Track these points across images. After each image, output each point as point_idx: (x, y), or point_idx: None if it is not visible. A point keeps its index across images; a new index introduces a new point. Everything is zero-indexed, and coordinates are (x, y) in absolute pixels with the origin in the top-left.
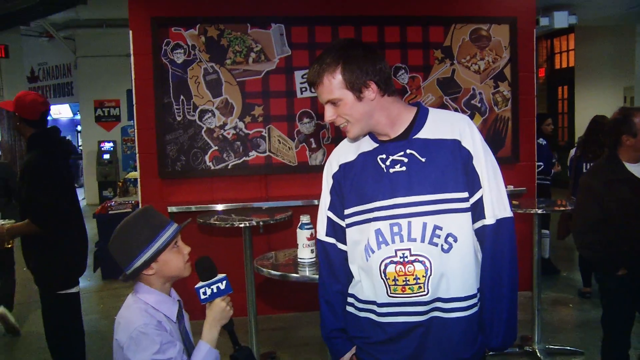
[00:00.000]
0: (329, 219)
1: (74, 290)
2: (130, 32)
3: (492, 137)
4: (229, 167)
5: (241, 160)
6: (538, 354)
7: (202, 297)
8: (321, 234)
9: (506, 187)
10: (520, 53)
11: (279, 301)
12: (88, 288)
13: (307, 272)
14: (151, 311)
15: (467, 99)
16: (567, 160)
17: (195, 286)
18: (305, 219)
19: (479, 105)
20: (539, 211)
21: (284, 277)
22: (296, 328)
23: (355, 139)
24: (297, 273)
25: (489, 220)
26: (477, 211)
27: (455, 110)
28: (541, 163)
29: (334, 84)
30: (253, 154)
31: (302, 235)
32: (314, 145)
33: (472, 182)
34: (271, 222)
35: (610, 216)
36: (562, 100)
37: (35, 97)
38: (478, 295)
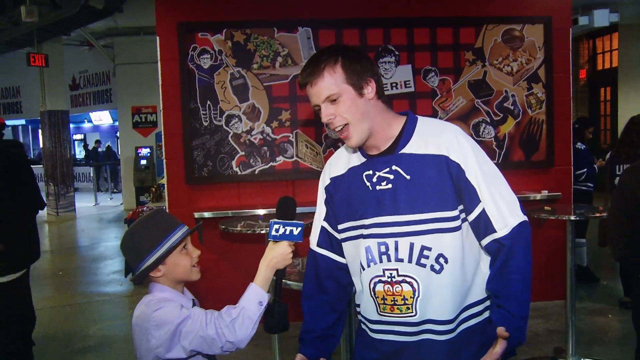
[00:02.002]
0: (323, 229)
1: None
2: (158, 37)
3: (526, 140)
4: (256, 172)
5: (268, 166)
6: None
7: (273, 233)
8: (313, 244)
9: (540, 193)
10: (556, 53)
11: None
12: (119, 293)
13: None
14: (165, 299)
15: (499, 101)
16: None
17: (271, 220)
18: None
19: (512, 107)
20: (572, 218)
21: (285, 285)
22: None
23: (356, 147)
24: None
25: (502, 231)
26: (480, 226)
27: (487, 113)
28: (585, 169)
29: (335, 78)
30: (280, 159)
31: None
32: None
33: (468, 198)
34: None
35: (639, 214)
36: (604, 102)
37: None
38: (469, 310)
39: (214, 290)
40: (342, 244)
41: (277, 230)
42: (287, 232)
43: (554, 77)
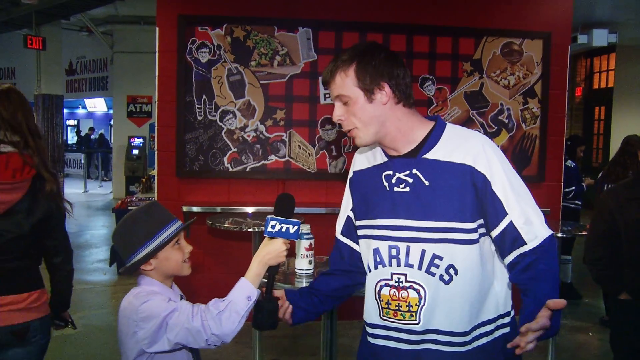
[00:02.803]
0: (349, 218)
1: None
2: (157, 28)
3: (518, 154)
4: (247, 169)
5: (260, 164)
6: None
7: (268, 229)
8: (338, 232)
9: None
10: (553, 70)
11: None
12: (102, 282)
13: (304, 284)
14: (153, 292)
15: (494, 114)
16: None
17: (268, 216)
18: (305, 228)
19: (506, 121)
20: (559, 234)
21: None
22: (304, 337)
23: (362, 147)
24: (288, 284)
25: (532, 243)
26: (506, 240)
27: (482, 124)
28: (573, 187)
29: (346, 81)
30: (272, 158)
31: (301, 246)
32: (334, 153)
33: (494, 211)
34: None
35: (617, 236)
36: (598, 121)
37: None
38: (481, 329)
39: (199, 285)
40: (359, 240)
41: (272, 227)
42: (283, 230)
43: (550, 93)
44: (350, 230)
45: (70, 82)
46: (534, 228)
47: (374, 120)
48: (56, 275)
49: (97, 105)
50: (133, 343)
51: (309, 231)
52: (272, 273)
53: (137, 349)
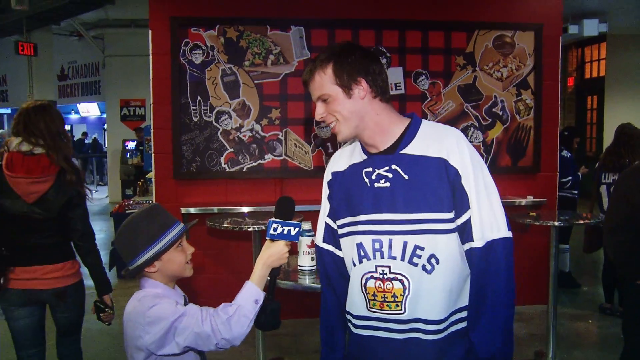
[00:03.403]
0: (327, 225)
1: None
2: (150, 31)
3: (513, 146)
4: (244, 169)
5: (257, 163)
6: None
7: (271, 232)
8: (319, 240)
9: (525, 198)
10: (545, 61)
11: (289, 307)
12: None
13: (307, 281)
14: (158, 295)
15: (488, 106)
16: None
17: (270, 219)
18: (306, 225)
19: (501, 113)
20: (557, 224)
21: (288, 286)
22: (306, 334)
23: (343, 141)
24: (293, 281)
25: (477, 242)
26: (464, 233)
27: (476, 117)
28: (570, 177)
29: (324, 79)
30: (269, 157)
31: (303, 243)
32: (330, 150)
33: (460, 203)
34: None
35: (636, 219)
36: (590, 110)
37: None
38: (459, 314)
39: (200, 285)
40: (340, 239)
41: (275, 230)
42: (285, 232)
43: (543, 84)
44: (330, 235)
45: (63, 88)
46: (486, 229)
47: (353, 114)
48: (84, 256)
49: (90, 110)
50: (140, 346)
51: (311, 228)
52: (274, 274)
53: (145, 352)
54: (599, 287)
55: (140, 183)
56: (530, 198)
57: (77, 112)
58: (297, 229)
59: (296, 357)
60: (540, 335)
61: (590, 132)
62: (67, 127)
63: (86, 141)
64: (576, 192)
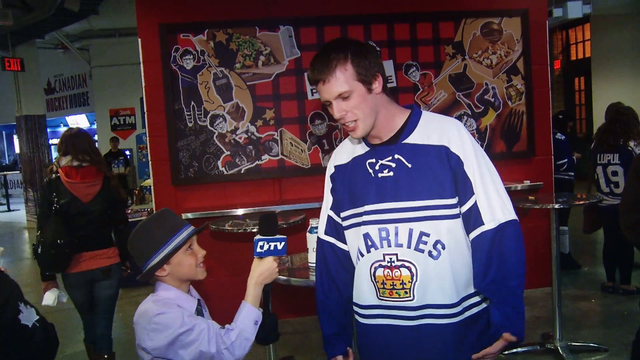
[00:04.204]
0: (330, 218)
1: None
2: (139, 39)
3: (507, 131)
4: (242, 171)
5: (254, 165)
6: (560, 352)
7: (258, 250)
8: (321, 233)
9: (522, 183)
10: (533, 45)
11: (297, 304)
12: None
13: None
14: (169, 302)
15: (480, 94)
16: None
17: (255, 238)
18: (315, 222)
19: (493, 100)
20: (556, 206)
21: (287, 282)
22: (314, 331)
23: (360, 137)
24: (306, 278)
25: (489, 225)
26: (471, 218)
27: (468, 106)
28: (566, 159)
29: (347, 75)
30: (266, 157)
31: (312, 239)
32: (326, 147)
33: (463, 189)
34: (284, 225)
35: None
36: (579, 92)
37: None
38: (471, 299)
39: (206, 288)
40: (345, 231)
41: (261, 247)
42: (272, 248)
43: (533, 68)
44: (332, 228)
45: (51, 101)
46: (497, 211)
47: (373, 110)
48: (121, 237)
49: (78, 121)
50: (146, 348)
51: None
52: (267, 289)
53: (149, 356)
54: (599, 267)
55: (136, 191)
56: (527, 182)
57: (66, 125)
58: (283, 243)
59: (307, 354)
60: (546, 318)
61: (580, 113)
62: (57, 141)
63: None
64: (572, 174)
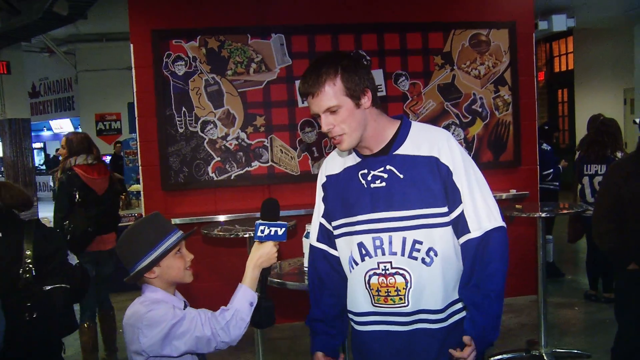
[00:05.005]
0: (322, 225)
1: None
2: (131, 45)
3: (494, 141)
4: (232, 177)
5: (244, 171)
6: (545, 358)
7: (258, 234)
8: (313, 240)
9: (508, 192)
10: (520, 57)
11: (286, 310)
12: None
13: None
14: (158, 301)
15: (468, 104)
16: (574, 163)
17: (257, 222)
18: (309, 227)
19: (480, 110)
20: (543, 215)
21: (282, 285)
22: (303, 337)
23: (346, 150)
24: (301, 282)
25: (475, 232)
26: (459, 226)
27: (457, 115)
28: (551, 169)
29: (335, 90)
30: (256, 164)
31: (308, 244)
32: (316, 154)
33: (452, 198)
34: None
35: (624, 209)
36: (562, 103)
37: None
38: (457, 305)
39: (195, 293)
40: (336, 240)
41: (262, 232)
42: (272, 233)
43: (519, 80)
44: (324, 236)
45: (35, 105)
46: (482, 219)
47: (360, 125)
48: (117, 223)
49: (62, 126)
50: (138, 350)
51: None
52: (265, 274)
53: (143, 355)
54: (582, 276)
55: (123, 197)
56: (513, 192)
57: (49, 129)
58: (283, 229)
59: None
60: (531, 325)
61: (563, 124)
62: (40, 145)
63: (60, 158)
64: (557, 184)
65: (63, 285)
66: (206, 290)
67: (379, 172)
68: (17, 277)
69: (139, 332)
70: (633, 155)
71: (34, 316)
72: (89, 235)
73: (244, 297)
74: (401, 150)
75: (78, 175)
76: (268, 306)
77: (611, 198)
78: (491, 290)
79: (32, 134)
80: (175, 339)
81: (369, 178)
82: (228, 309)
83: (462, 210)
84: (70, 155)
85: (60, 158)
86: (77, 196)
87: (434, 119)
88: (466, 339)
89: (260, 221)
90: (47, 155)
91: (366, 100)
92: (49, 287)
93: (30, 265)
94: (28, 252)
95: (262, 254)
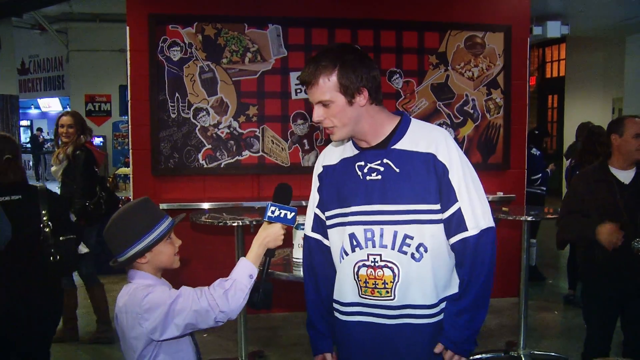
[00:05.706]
0: (316, 215)
1: None
2: (127, 28)
3: (484, 143)
4: (222, 166)
5: (234, 160)
6: (523, 359)
7: (269, 214)
8: (307, 230)
9: (495, 194)
10: (514, 61)
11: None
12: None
13: (302, 272)
14: (150, 285)
15: (460, 105)
16: (563, 170)
17: (268, 202)
18: (302, 219)
19: (472, 111)
20: (529, 218)
21: (273, 275)
22: (285, 328)
23: (338, 142)
24: (288, 272)
25: (472, 231)
26: (452, 224)
27: (448, 115)
28: (540, 174)
29: (328, 85)
30: (246, 153)
31: (298, 236)
32: (307, 147)
33: (446, 197)
34: (263, 221)
35: (588, 216)
36: (551, 109)
37: None
38: (446, 301)
39: (182, 279)
40: (328, 230)
41: (272, 212)
42: (282, 215)
43: (512, 83)
44: (319, 226)
45: (24, 82)
46: (479, 219)
47: (351, 120)
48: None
49: (51, 105)
50: (138, 335)
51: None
52: (270, 255)
53: (144, 340)
54: (562, 280)
55: (110, 179)
56: (500, 194)
57: (37, 107)
58: (293, 214)
59: (276, 350)
60: (511, 327)
61: (551, 130)
62: (27, 122)
63: (43, 137)
64: (544, 188)
65: (72, 236)
66: (193, 276)
67: (375, 165)
68: (39, 231)
69: (140, 317)
70: (597, 166)
71: (57, 258)
72: (115, 205)
73: (244, 269)
74: (399, 145)
75: (91, 151)
76: (267, 288)
77: (575, 206)
78: (481, 289)
79: (20, 111)
80: (175, 317)
81: (366, 170)
82: (227, 279)
83: (459, 208)
84: (82, 133)
85: (61, 140)
86: (98, 171)
87: (425, 118)
88: (439, 346)
89: (272, 202)
90: (34, 136)
91: (361, 99)
92: (63, 238)
93: (48, 222)
94: (44, 212)
95: (269, 233)
